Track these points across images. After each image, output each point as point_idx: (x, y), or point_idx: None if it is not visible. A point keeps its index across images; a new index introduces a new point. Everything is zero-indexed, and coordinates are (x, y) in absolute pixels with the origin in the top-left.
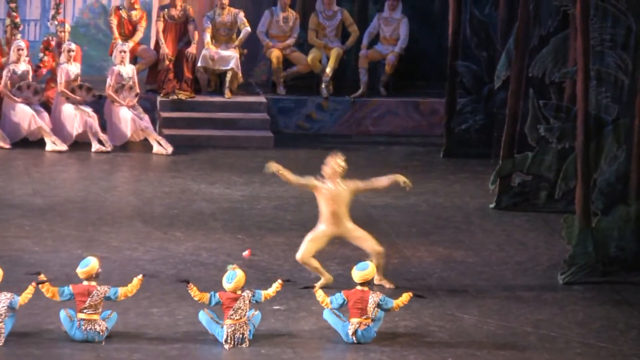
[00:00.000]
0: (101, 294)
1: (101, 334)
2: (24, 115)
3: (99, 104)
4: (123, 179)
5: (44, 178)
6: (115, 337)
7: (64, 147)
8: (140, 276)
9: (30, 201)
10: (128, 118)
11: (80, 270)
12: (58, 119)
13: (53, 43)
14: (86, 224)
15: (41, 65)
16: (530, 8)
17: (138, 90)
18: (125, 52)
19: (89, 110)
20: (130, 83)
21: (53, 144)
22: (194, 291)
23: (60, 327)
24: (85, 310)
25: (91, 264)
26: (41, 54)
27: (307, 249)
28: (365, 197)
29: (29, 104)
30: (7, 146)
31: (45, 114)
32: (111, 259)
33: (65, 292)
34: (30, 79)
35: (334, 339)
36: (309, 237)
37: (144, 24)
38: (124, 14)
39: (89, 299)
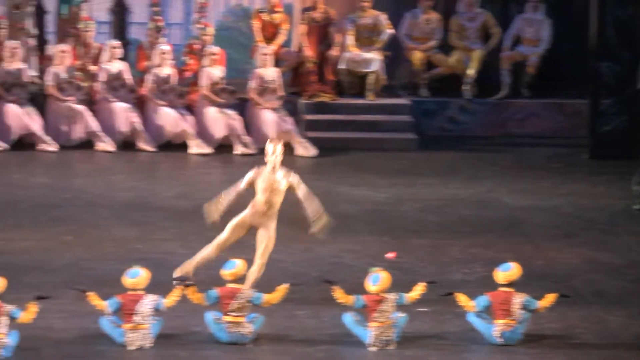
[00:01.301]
0: (246, 296)
1: (247, 336)
2: (168, 118)
3: (242, 107)
4: None
5: (189, 181)
6: (260, 339)
7: (208, 150)
8: (286, 285)
9: (175, 204)
10: (271, 121)
11: (228, 272)
12: (202, 122)
13: (197, 46)
14: None
15: (185, 68)
16: None
17: (282, 93)
18: (267, 54)
19: (232, 113)
20: (275, 86)
21: (197, 147)
22: (338, 293)
23: (207, 329)
24: (231, 313)
25: (238, 265)
26: (185, 57)
27: (228, 236)
28: (510, 199)
29: (172, 107)
30: (152, 149)
31: (190, 117)
32: None
33: (212, 296)
34: (175, 82)
35: (480, 341)
36: (233, 222)
37: (286, 26)
38: (265, 17)
39: (235, 301)
